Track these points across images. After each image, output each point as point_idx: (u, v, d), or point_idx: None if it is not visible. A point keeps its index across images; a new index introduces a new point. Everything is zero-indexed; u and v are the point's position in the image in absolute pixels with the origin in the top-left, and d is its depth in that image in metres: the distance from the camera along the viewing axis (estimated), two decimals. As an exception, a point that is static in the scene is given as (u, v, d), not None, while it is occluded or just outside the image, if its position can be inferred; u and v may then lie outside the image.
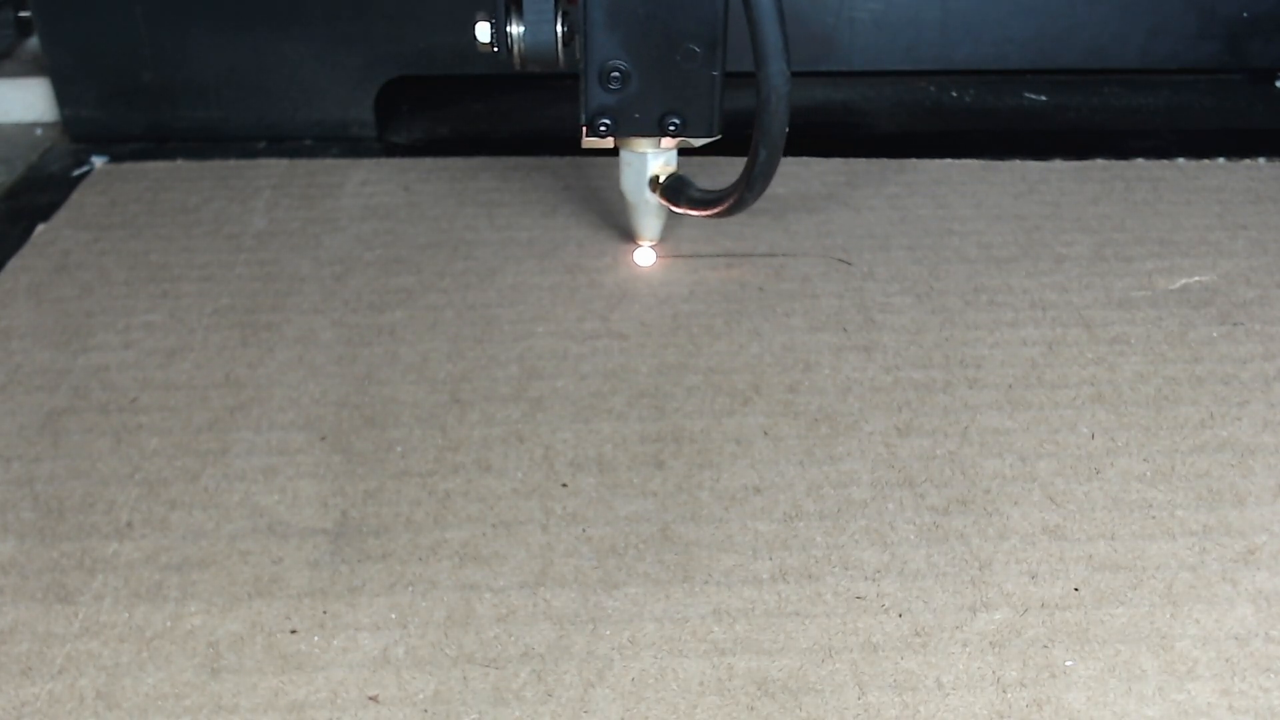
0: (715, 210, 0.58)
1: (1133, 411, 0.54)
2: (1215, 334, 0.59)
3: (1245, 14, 0.85)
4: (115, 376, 0.56)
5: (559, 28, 0.54)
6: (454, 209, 0.71)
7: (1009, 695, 0.40)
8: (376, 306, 0.61)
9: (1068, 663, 0.42)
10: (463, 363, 0.57)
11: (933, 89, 0.88)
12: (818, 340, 0.59)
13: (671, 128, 0.58)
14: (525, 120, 0.84)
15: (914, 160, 0.76)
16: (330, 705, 0.40)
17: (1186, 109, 0.85)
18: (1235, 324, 0.60)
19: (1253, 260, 0.65)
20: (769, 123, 0.51)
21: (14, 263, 0.65)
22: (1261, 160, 0.77)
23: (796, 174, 0.75)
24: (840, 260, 0.66)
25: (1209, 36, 0.86)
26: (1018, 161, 0.76)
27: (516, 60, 0.55)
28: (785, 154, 0.75)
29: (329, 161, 0.76)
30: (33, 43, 0.88)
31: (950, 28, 0.85)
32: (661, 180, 0.61)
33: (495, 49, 0.55)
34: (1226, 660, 0.42)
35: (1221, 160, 0.77)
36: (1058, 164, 0.76)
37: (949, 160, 0.76)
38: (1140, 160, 0.77)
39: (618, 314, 0.61)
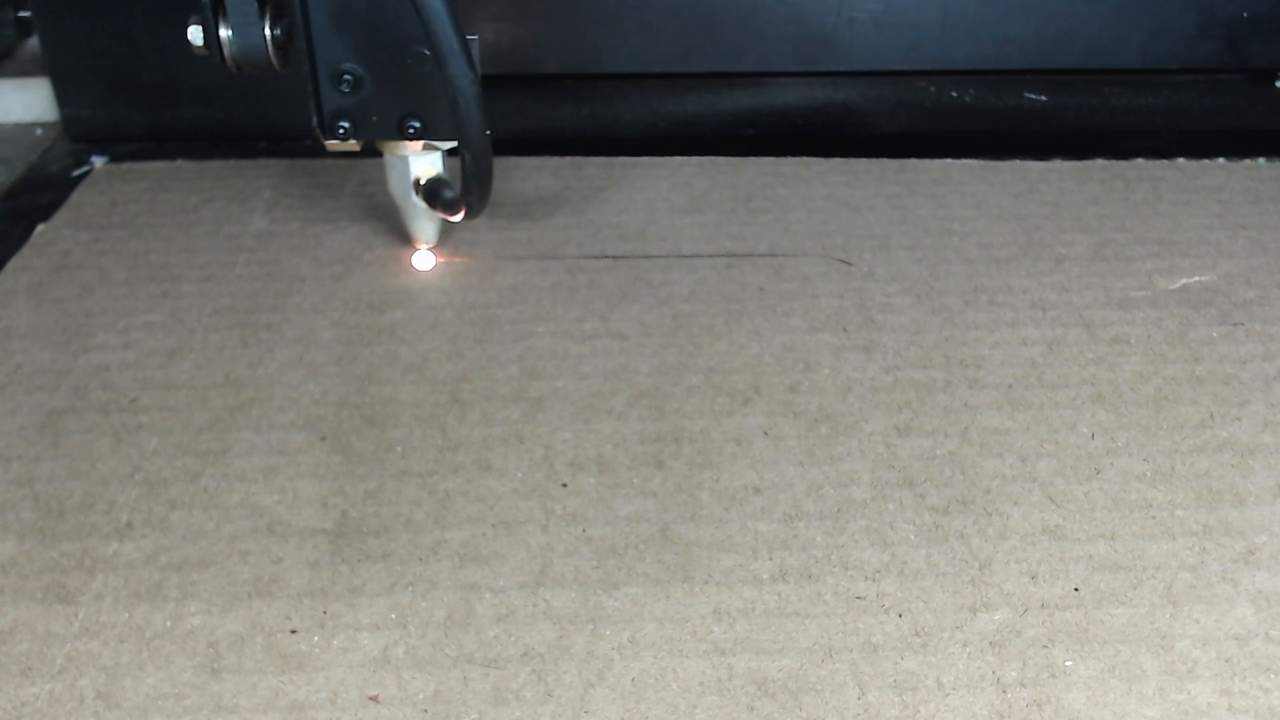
0: (458, 215, 0.58)
1: (1133, 411, 0.54)
2: (1215, 334, 0.59)
3: (1245, 14, 0.85)
4: (115, 376, 0.56)
5: (269, 30, 0.53)
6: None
7: (1009, 695, 0.40)
8: (376, 306, 0.61)
9: (1068, 663, 0.42)
10: (463, 363, 0.57)
11: (933, 89, 0.88)
12: (818, 340, 0.59)
13: (411, 130, 0.57)
14: (525, 120, 0.84)
15: (914, 160, 0.76)
16: (330, 705, 0.40)
17: (1186, 109, 0.85)
18: (1235, 324, 0.60)
19: (1253, 260, 0.65)
20: (464, 125, 0.51)
21: (14, 263, 0.65)
22: (1261, 160, 0.77)
23: (796, 174, 0.75)
24: (840, 260, 0.66)
25: (1209, 36, 0.86)
26: (1018, 161, 0.76)
27: (230, 64, 0.54)
28: (785, 154, 0.77)
29: (329, 161, 0.76)
30: (33, 43, 0.88)
31: (950, 28, 0.85)
32: (423, 183, 0.61)
33: (209, 52, 0.54)
34: (1226, 660, 0.42)
35: (1221, 160, 0.77)
36: (1058, 164, 0.76)
37: (949, 160, 0.76)
38: (1140, 160, 0.77)
39: (618, 314, 0.61)
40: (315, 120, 0.56)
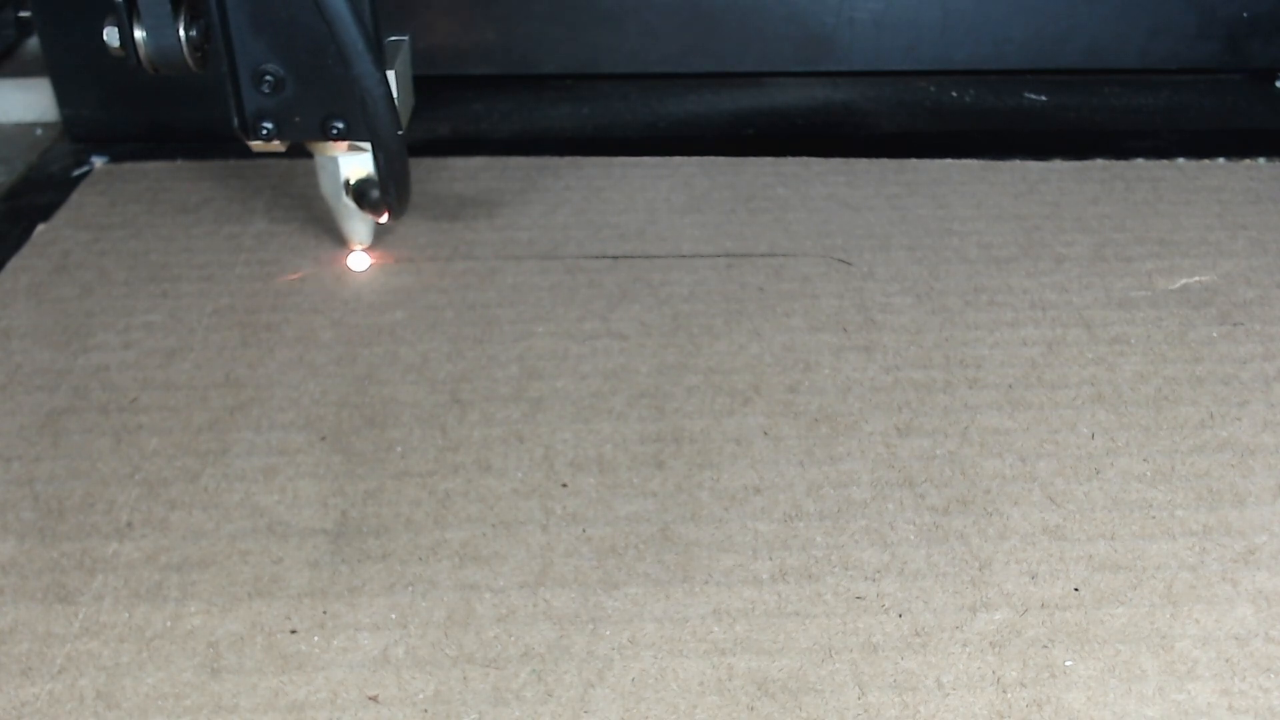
0: (383, 215, 0.58)
1: (1133, 411, 0.54)
2: (1215, 334, 0.59)
3: (1245, 14, 0.85)
4: (115, 376, 0.56)
5: (183, 31, 0.53)
6: (453, 209, 0.71)
7: (1009, 695, 0.40)
8: (376, 306, 0.61)
9: (1068, 663, 0.42)
10: (463, 363, 0.57)
11: (933, 89, 0.88)
12: (818, 340, 0.59)
13: (335, 131, 0.57)
14: (525, 120, 0.84)
15: (914, 160, 0.76)
16: (330, 705, 0.40)
17: (1186, 109, 0.85)
18: (1235, 324, 0.60)
19: (1253, 260, 0.65)
20: (374, 125, 0.51)
21: (14, 263, 0.65)
22: (1261, 160, 0.77)
23: (796, 174, 0.75)
24: (840, 260, 0.66)
25: (1209, 36, 0.86)
26: (1018, 161, 0.76)
27: (147, 65, 0.54)
28: (786, 154, 0.77)
29: (329, 161, 0.76)
30: (33, 43, 0.88)
31: (950, 28, 0.85)
32: (352, 183, 0.61)
33: (125, 54, 0.54)
34: (1226, 660, 0.42)
35: (1221, 160, 0.77)
36: (1058, 164, 0.76)
37: (949, 160, 0.76)
38: (1140, 160, 0.77)
39: (618, 314, 0.61)
40: (236, 121, 0.56)
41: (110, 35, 0.53)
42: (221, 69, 0.55)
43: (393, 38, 0.63)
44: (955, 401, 0.55)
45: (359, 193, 0.61)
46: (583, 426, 0.53)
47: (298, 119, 0.57)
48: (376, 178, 0.59)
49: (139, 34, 0.53)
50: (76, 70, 0.78)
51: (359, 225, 0.64)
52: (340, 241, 0.66)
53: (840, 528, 0.47)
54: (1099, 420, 0.53)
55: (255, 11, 0.54)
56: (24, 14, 0.89)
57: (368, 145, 0.60)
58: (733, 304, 0.62)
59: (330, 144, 0.59)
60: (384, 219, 0.60)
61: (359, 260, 0.65)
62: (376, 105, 0.51)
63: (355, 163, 0.61)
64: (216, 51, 0.54)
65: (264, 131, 0.57)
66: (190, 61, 0.54)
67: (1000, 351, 0.58)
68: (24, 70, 0.85)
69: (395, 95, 0.55)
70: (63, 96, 0.79)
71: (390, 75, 0.57)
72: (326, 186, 0.62)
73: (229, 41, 0.54)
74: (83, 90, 0.79)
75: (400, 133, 0.53)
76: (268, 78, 0.55)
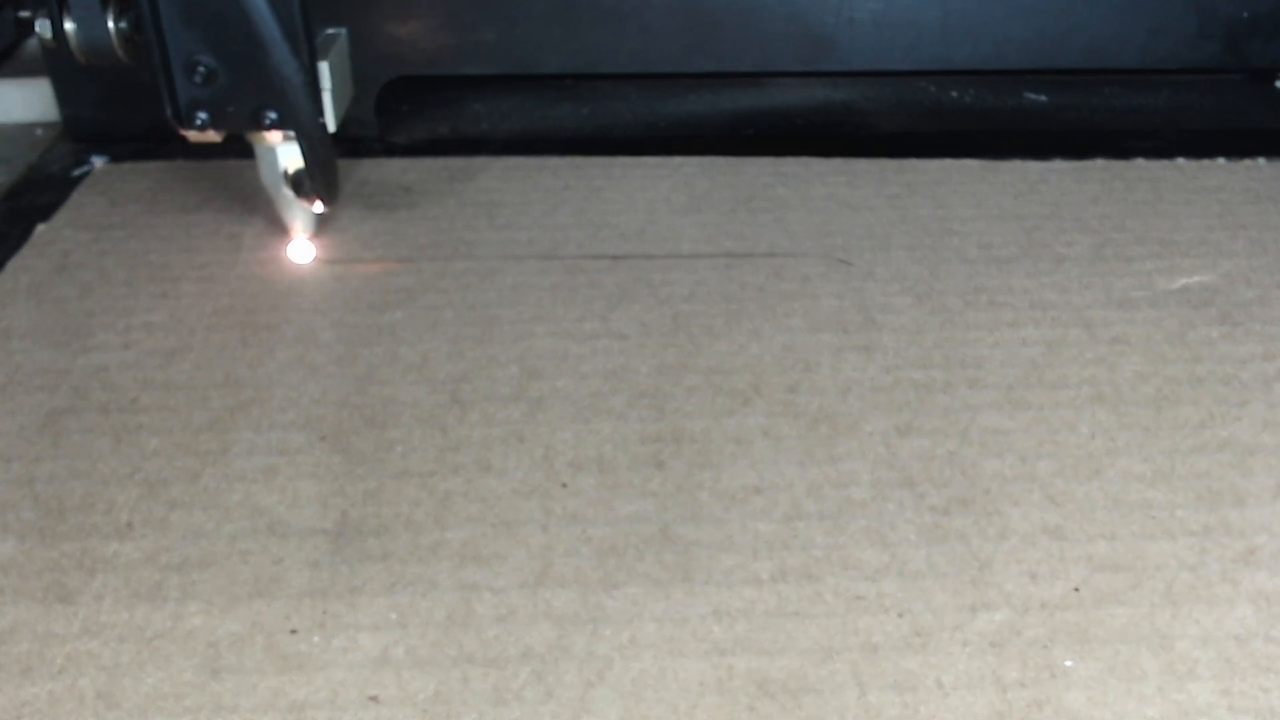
0: (316, 203, 0.60)
1: (1133, 411, 0.54)
2: (1215, 334, 0.59)
3: (1245, 14, 0.85)
4: (115, 376, 0.56)
5: (112, 23, 0.54)
6: (454, 209, 0.71)
7: (1009, 695, 0.40)
8: (376, 306, 0.61)
9: (1068, 663, 0.42)
10: (463, 363, 0.57)
11: (933, 89, 0.88)
12: (818, 340, 0.59)
13: (268, 121, 0.58)
14: (525, 120, 0.84)
15: (914, 160, 0.76)
16: (330, 705, 0.40)
17: (1186, 109, 0.85)
18: (1235, 324, 0.60)
19: (1253, 260, 0.65)
20: (295, 114, 0.53)
21: (14, 263, 0.65)
22: (1261, 160, 0.77)
23: (796, 174, 0.75)
24: (840, 260, 0.66)
25: (1209, 36, 0.86)
26: (1018, 161, 0.76)
27: (78, 55, 0.55)
28: (786, 154, 0.77)
29: (329, 161, 0.76)
30: (33, 43, 0.88)
31: (950, 28, 0.85)
32: (290, 173, 0.62)
33: (57, 45, 0.55)
34: (1226, 660, 0.42)
35: (1221, 160, 0.77)
36: (1058, 164, 0.76)
37: (949, 160, 0.76)
38: (1140, 160, 0.77)
39: (618, 314, 0.61)
40: (170, 110, 0.58)
41: (41, 27, 0.55)
42: (152, 60, 0.56)
43: (330, 30, 0.64)
44: (955, 401, 0.55)
45: (297, 182, 0.62)
46: (583, 426, 0.53)
47: (231, 109, 0.58)
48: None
49: (69, 25, 0.54)
50: (76, 70, 0.78)
51: (299, 214, 0.65)
52: (283, 231, 0.66)
53: (840, 528, 0.47)
54: (1099, 420, 0.53)
55: (186, 4, 0.55)
56: (24, 14, 0.89)
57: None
58: (733, 304, 0.62)
59: (267, 134, 0.60)
60: (316, 208, 0.61)
61: (302, 249, 0.66)
62: (296, 93, 0.52)
63: (293, 153, 0.61)
64: (148, 43, 0.55)
65: (199, 121, 0.58)
66: (121, 52, 0.55)
67: (1000, 351, 0.58)
68: (24, 70, 0.85)
69: (330, 86, 0.57)
70: (63, 96, 0.79)
71: (324, 66, 0.59)
72: (266, 176, 0.63)
73: (160, 33, 0.55)
74: (83, 90, 0.79)
75: (323, 121, 0.54)
76: (200, 69, 0.56)
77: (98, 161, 0.76)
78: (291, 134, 0.60)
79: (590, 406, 0.54)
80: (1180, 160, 0.76)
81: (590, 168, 0.75)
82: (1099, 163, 0.76)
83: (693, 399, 0.55)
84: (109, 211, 0.70)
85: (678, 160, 0.76)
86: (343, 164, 0.76)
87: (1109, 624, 0.43)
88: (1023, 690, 0.41)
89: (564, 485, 0.50)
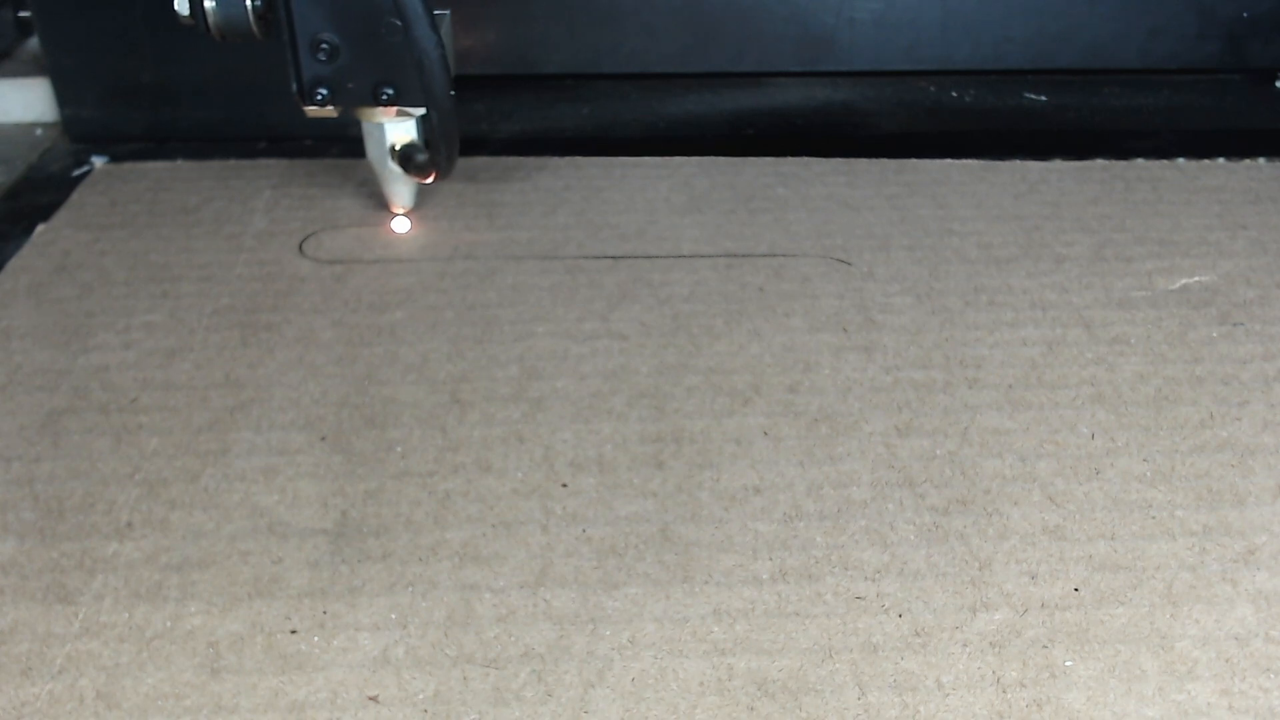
0: (430, 177, 0.63)
1: (1133, 411, 0.54)
2: (1215, 334, 0.59)
3: (1245, 14, 0.85)
4: (115, 376, 0.56)
5: (249, 1, 0.57)
6: (454, 209, 0.71)
7: (1009, 695, 0.40)
8: (376, 306, 0.61)
9: (1068, 663, 0.42)
10: (463, 363, 0.57)
11: (933, 89, 0.88)
12: (818, 340, 0.59)
13: (385, 97, 0.61)
14: (525, 120, 0.84)
15: (914, 160, 0.76)
16: (330, 705, 0.40)
17: (1186, 109, 0.85)
18: (1235, 324, 0.60)
19: (1253, 260, 0.65)
20: (429, 86, 0.55)
21: (14, 263, 0.65)
22: (1261, 160, 0.77)
23: (796, 174, 0.75)
24: (840, 260, 0.66)
25: (1209, 37, 0.86)
26: (1018, 161, 0.76)
27: (215, 33, 0.58)
28: (786, 154, 0.77)
29: (329, 161, 0.76)
30: (33, 43, 0.88)
31: (950, 28, 0.85)
32: (398, 149, 0.64)
33: (194, 22, 0.57)
34: (1226, 660, 0.42)
35: (1221, 160, 0.77)
36: (1058, 164, 0.76)
37: (949, 160, 0.76)
38: (1140, 160, 0.77)
39: (618, 314, 0.61)
40: (295, 87, 0.60)
41: (180, 4, 0.57)
42: (282, 37, 0.58)
43: (437, 11, 0.66)
44: (955, 401, 0.55)
45: (405, 157, 0.64)
46: (583, 426, 0.53)
47: (351, 85, 0.61)
48: (422, 141, 0.64)
49: (208, 3, 0.57)
50: (76, 70, 0.78)
51: (402, 189, 0.68)
52: (383, 206, 0.69)
53: (840, 528, 0.47)
54: (1099, 420, 0.53)
55: None
56: (24, 14, 0.89)
57: (413, 112, 0.63)
58: (733, 304, 0.62)
59: (378, 110, 0.63)
60: (429, 180, 0.64)
61: (401, 223, 0.68)
62: (433, 67, 0.55)
63: (400, 129, 0.64)
64: (278, 21, 0.58)
65: (319, 97, 0.60)
66: (255, 29, 0.58)
67: (1000, 351, 0.58)
68: (24, 70, 0.85)
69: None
70: (63, 96, 0.79)
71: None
72: (373, 151, 0.65)
73: (290, 12, 0.58)
74: (83, 90, 0.79)
75: (453, 94, 0.56)
76: (324, 46, 0.59)
77: (98, 161, 0.77)
78: (402, 110, 0.63)
79: (590, 406, 0.54)
80: (1180, 160, 0.76)
81: (590, 168, 0.75)
82: (1099, 163, 0.76)
83: (693, 399, 0.55)
84: (109, 211, 0.70)
85: (678, 160, 0.76)
86: (341, 164, 0.76)
87: (1109, 624, 0.43)
88: (1022, 690, 0.41)
89: (564, 485, 0.50)
